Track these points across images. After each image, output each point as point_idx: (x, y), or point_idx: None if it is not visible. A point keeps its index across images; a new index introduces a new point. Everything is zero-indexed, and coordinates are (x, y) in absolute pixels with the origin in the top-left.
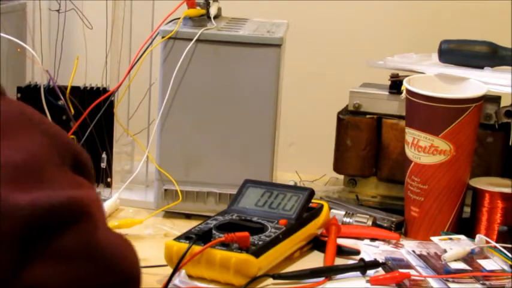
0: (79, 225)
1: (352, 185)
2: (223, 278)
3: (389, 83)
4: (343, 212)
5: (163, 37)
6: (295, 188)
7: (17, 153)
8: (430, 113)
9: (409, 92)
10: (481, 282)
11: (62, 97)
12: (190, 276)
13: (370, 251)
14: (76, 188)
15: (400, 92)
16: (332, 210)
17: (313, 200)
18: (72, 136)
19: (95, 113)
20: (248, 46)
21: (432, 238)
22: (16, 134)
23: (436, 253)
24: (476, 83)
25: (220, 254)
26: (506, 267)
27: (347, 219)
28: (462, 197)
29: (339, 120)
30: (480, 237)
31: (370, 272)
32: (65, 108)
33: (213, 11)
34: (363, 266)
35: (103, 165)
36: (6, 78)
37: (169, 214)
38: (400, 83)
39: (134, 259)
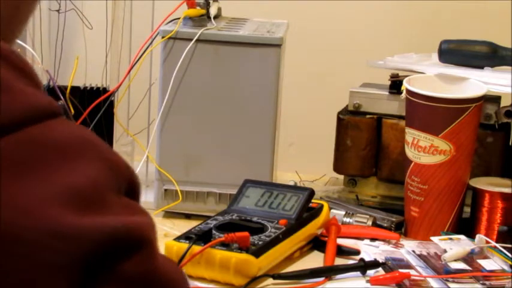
0: (141, 251)
1: (352, 185)
2: (223, 278)
3: (389, 83)
4: (343, 212)
5: (163, 37)
6: (295, 188)
7: (79, 178)
8: (430, 113)
9: (409, 92)
10: (481, 282)
11: (62, 97)
12: (190, 277)
13: (370, 251)
14: (134, 214)
15: (400, 92)
16: (332, 210)
17: (313, 200)
18: None
19: (95, 113)
20: (248, 46)
21: (432, 238)
22: (78, 159)
23: (436, 253)
24: (476, 83)
25: (220, 254)
26: (506, 267)
27: (347, 219)
28: (462, 197)
29: (339, 120)
30: (480, 237)
31: (370, 272)
32: (65, 108)
33: (213, 11)
34: (363, 266)
35: None
36: None
37: (169, 214)
38: (400, 83)
39: (186, 286)
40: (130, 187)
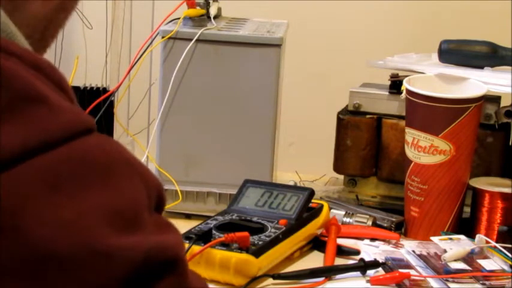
0: (174, 271)
1: (352, 185)
2: (223, 278)
3: (389, 83)
4: (343, 212)
5: (163, 37)
6: (295, 188)
7: (118, 197)
8: (430, 113)
9: (409, 92)
10: (481, 282)
11: None
12: None
13: (370, 251)
14: (166, 232)
15: (400, 92)
16: (332, 210)
17: (313, 200)
18: None
19: (95, 113)
20: (248, 46)
21: (432, 238)
22: (116, 177)
23: (436, 253)
24: (476, 83)
25: (220, 254)
26: (506, 267)
27: (347, 219)
28: (462, 197)
29: (339, 120)
30: (480, 237)
31: (370, 272)
32: None
33: (213, 11)
34: (363, 266)
35: None
36: None
37: (169, 214)
38: (400, 83)
39: None
40: (159, 201)
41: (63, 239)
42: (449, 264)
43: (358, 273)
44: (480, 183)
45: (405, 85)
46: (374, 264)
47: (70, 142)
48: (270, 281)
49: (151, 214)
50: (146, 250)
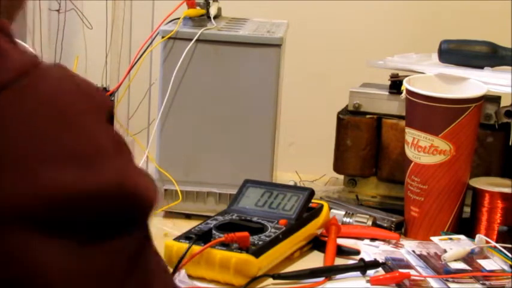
0: (137, 202)
1: (352, 185)
2: (223, 278)
3: (389, 83)
4: (343, 212)
5: (163, 37)
6: (295, 188)
7: (78, 136)
8: (430, 113)
9: (409, 92)
10: (481, 282)
11: None
12: (190, 276)
13: (370, 251)
14: (121, 154)
15: (400, 92)
16: (332, 210)
17: (313, 200)
18: None
19: None
20: (248, 46)
21: (432, 238)
22: (75, 116)
23: (436, 253)
24: (476, 83)
25: (220, 254)
26: (506, 267)
27: (347, 219)
28: (462, 197)
29: (339, 120)
30: (480, 237)
31: (370, 272)
32: None
33: (213, 11)
34: (363, 266)
35: None
36: None
37: (169, 214)
38: (400, 83)
39: (155, 193)
40: (110, 117)
41: (36, 191)
42: (449, 264)
43: (358, 273)
44: (480, 183)
45: (405, 85)
46: (374, 264)
47: (23, 80)
48: (270, 281)
49: (115, 148)
50: (114, 184)
